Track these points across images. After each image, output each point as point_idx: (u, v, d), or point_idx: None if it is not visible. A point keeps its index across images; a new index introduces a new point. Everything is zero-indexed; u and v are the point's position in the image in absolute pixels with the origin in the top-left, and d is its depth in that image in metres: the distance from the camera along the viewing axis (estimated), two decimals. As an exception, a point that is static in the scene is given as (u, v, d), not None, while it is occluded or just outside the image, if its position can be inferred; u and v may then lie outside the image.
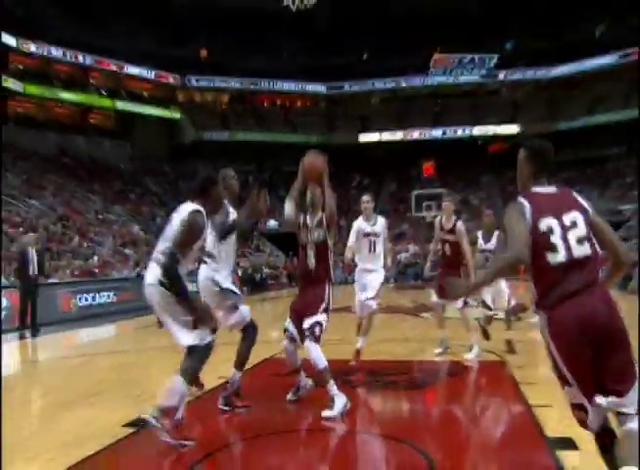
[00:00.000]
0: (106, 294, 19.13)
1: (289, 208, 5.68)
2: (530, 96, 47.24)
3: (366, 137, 46.95)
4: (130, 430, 4.88)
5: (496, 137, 45.90)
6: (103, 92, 40.04)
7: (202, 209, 4.71)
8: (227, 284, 5.77)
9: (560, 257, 3.07)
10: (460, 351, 8.25)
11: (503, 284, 8.63)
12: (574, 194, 3.41)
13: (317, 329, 5.40)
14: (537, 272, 3.13)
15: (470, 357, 8.04)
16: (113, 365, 8.92)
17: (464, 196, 42.79)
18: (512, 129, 44.68)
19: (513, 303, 8.87)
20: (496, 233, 8.76)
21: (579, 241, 3.11)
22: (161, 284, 4.55)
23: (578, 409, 3.06)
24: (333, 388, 5.24)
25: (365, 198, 7.94)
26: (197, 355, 4.61)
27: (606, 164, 40.88)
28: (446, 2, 44.54)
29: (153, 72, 42.18)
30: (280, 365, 6.60)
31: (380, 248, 7.85)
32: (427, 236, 30.23)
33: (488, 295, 8.58)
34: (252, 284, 28.18)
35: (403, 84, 47.94)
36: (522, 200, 3.38)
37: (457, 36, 45.43)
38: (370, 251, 7.81)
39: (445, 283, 7.86)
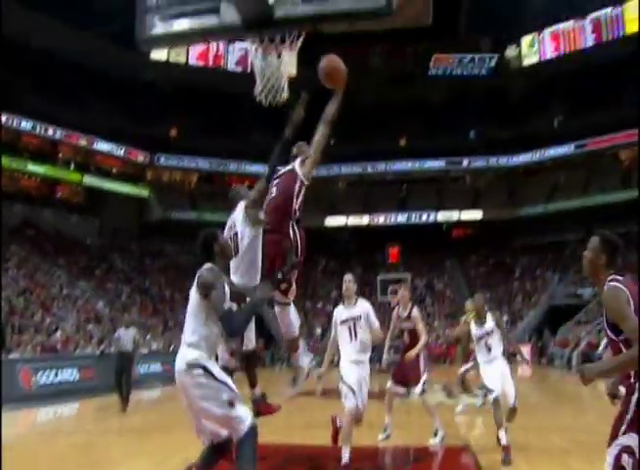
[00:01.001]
0: (68, 371, 18.60)
1: None
2: (492, 183, 48.52)
3: (332, 221, 47.38)
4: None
5: (460, 222, 46.89)
6: (72, 166, 40.13)
7: (213, 266, 4.63)
8: (215, 369, 4.48)
9: None
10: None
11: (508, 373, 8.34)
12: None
13: None
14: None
15: (435, 442, 8.11)
16: (73, 446, 8.65)
17: (428, 280, 43.28)
18: (475, 215, 45.70)
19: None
20: (489, 316, 8.40)
21: None
22: (191, 366, 4.29)
23: None
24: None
25: (347, 277, 7.28)
26: (247, 446, 4.19)
27: (565, 250, 41.79)
28: (412, 91, 46.18)
29: (122, 149, 42.43)
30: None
31: (363, 334, 7.00)
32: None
33: (496, 382, 8.18)
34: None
35: (369, 169, 48.81)
36: (621, 286, 3.71)
37: (423, 124, 47.04)
38: (351, 338, 7.03)
39: (405, 369, 8.21)
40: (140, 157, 43.78)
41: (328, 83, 5.08)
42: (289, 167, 5.69)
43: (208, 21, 2.99)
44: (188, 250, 42.92)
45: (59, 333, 23.04)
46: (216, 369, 4.40)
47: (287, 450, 7.01)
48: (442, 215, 46.23)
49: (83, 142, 40.06)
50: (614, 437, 3.64)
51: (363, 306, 7.18)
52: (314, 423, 8.47)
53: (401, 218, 47.04)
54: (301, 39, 4.49)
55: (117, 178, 42.52)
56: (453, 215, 45.97)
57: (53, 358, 19.32)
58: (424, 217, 46.53)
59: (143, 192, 43.68)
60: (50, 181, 39.38)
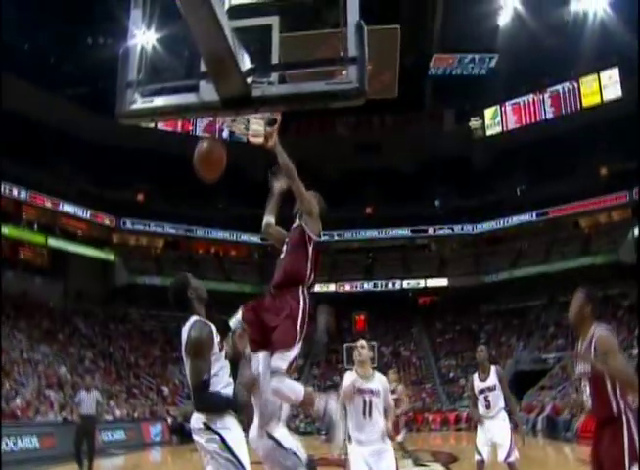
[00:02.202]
0: (28, 439, 18.20)
1: None
2: (457, 250, 49.20)
3: (298, 288, 47.14)
4: None
5: (426, 289, 47.16)
6: (35, 227, 39.63)
7: (197, 318, 4.31)
8: (239, 448, 4.11)
9: None
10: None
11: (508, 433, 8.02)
12: None
13: None
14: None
15: None
16: None
17: (394, 348, 43.18)
18: (440, 282, 46.09)
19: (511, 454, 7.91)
20: (493, 369, 8.26)
21: None
22: (207, 429, 4.04)
23: None
24: None
25: (361, 342, 6.48)
26: None
27: (529, 315, 42.20)
28: (378, 160, 47.06)
29: (88, 212, 42.10)
30: None
31: (377, 413, 6.16)
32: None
33: (485, 446, 8.01)
34: (182, 433, 27.05)
35: (335, 237, 49.06)
36: (610, 333, 4.48)
37: (388, 193, 47.76)
38: (365, 415, 6.12)
39: None
40: (106, 220, 43.50)
41: (205, 174, 4.33)
42: (294, 225, 5.14)
43: (187, 98, 3.10)
44: (153, 315, 42.47)
45: (18, 399, 22.40)
46: (233, 437, 4.06)
47: None
48: (408, 283, 46.47)
49: (48, 203, 39.68)
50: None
51: (382, 381, 6.34)
52: None
53: (367, 286, 47.20)
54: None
55: (83, 241, 42.02)
56: (419, 283, 46.27)
57: (12, 425, 18.75)
58: (390, 285, 46.78)
59: (109, 256, 43.21)
60: (13, 242, 38.69)
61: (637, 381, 4.13)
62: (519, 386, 35.19)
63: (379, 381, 6.27)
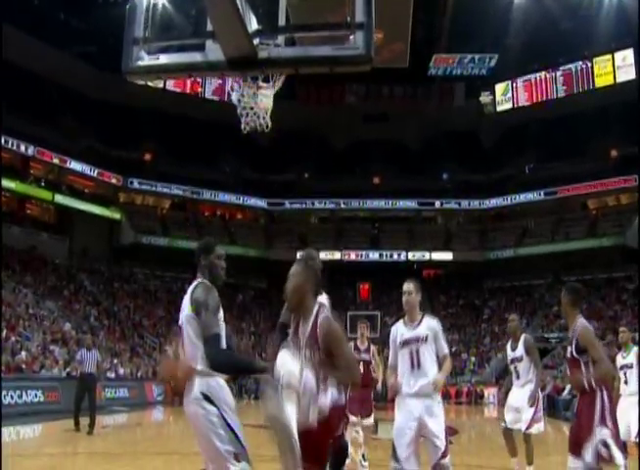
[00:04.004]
0: (33, 392, 18.33)
1: None
2: (463, 225, 49.12)
3: (304, 255, 47.20)
4: None
5: (430, 262, 47.18)
6: (43, 184, 39.61)
7: (203, 281, 4.16)
8: (231, 417, 3.96)
9: None
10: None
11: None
12: None
13: None
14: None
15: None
16: (37, 469, 8.61)
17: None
18: (446, 256, 46.07)
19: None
20: (522, 339, 8.05)
21: None
22: (206, 399, 3.87)
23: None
24: None
25: (406, 286, 5.83)
26: None
27: (533, 294, 42.26)
28: (387, 131, 46.77)
29: (95, 170, 42.07)
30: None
31: (428, 361, 5.65)
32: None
33: (510, 414, 7.98)
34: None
35: (342, 206, 49.07)
36: (588, 327, 5.32)
37: (396, 164, 47.59)
38: (413, 366, 5.66)
39: (356, 401, 7.52)
40: (113, 179, 43.44)
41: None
42: None
43: (194, 57, 3.08)
44: (158, 275, 42.68)
45: (24, 353, 22.61)
46: (231, 415, 3.91)
47: None
48: (413, 255, 46.49)
49: (56, 160, 39.63)
50: (588, 434, 4.98)
51: (431, 326, 5.76)
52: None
53: (373, 256, 47.22)
54: (282, 79, 4.61)
55: (89, 199, 42.05)
56: (424, 255, 46.26)
57: (17, 379, 18.93)
58: (395, 256, 46.76)
59: (115, 214, 43.26)
60: (20, 197, 38.78)
61: (612, 371, 5.44)
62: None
63: (427, 326, 5.70)
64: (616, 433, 5.01)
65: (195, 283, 4.17)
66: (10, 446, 11.28)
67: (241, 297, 45.08)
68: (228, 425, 3.86)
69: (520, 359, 7.95)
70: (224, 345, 3.99)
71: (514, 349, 8.09)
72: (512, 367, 8.17)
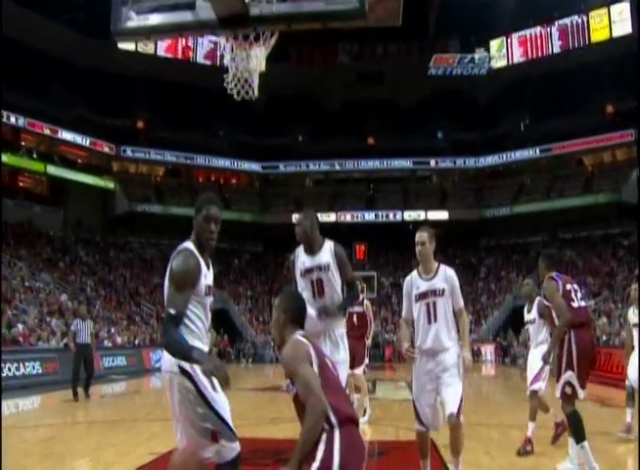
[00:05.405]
0: (31, 364, 18.33)
1: None
2: (459, 184, 48.99)
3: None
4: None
5: (426, 222, 47.12)
6: (34, 156, 39.23)
7: (189, 246, 3.74)
8: (210, 393, 3.58)
9: (575, 304, 6.11)
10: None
11: None
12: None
13: None
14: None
15: (364, 421, 8.98)
16: (37, 439, 8.59)
17: (394, 279, 43.43)
18: (441, 215, 45.98)
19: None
20: (536, 302, 7.92)
21: (580, 298, 6.23)
22: (183, 373, 3.53)
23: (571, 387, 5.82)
24: None
25: (419, 236, 5.58)
26: None
27: (529, 251, 42.34)
28: (381, 91, 46.31)
29: (88, 140, 41.75)
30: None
31: (444, 313, 5.37)
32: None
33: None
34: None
35: (337, 167, 48.89)
36: (554, 280, 6.25)
37: (390, 124, 47.24)
38: (430, 320, 5.37)
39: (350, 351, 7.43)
40: (106, 147, 43.15)
41: None
42: None
43: (184, 16, 2.94)
44: (153, 243, 42.63)
45: (20, 326, 22.59)
46: (210, 391, 3.54)
47: (253, 444, 6.82)
48: (409, 215, 46.43)
49: (47, 131, 39.26)
50: (558, 375, 5.93)
51: (446, 277, 5.44)
52: (282, 417, 8.46)
53: (368, 217, 47.18)
54: (275, 37, 4.47)
55: (82, 169, 41.77)
56: (420, 215, 46.17)
57: (15, 351, 18.89)
58: (390, 216, 46.72)
59: (108, 184, 43.02)
60: (12, 170, 38.43)
61: (567, 315, 5.94)
62: (517, 321, 35.59)
63: (444, 278, 5.40)
64: (579, 373, 5.86)
65: (178, 249, 3.74)
66: (9, 419, 11.31)
67: (237, 261, 45.10)
68: (206, 401, 3.53)
69: (533, 322, 7.91)
70: (180, 323, 3.54)
71: (529, 311, 8.06)
72: (526, 329, 8.27)
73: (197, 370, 3.45)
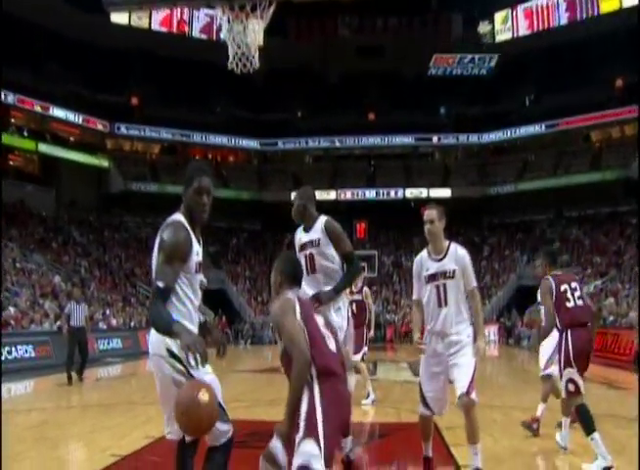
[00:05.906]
0: (23, 348, 18.14)
1: None
2: (462, 161, 48.15)
3: (299, 195, 46.53)
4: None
5: (428, 200, 46.25)
6: (25, 134, 38.28)
7: (180, 219, 3.61)
8: (201, 377, 3.43)
9: (570, 304, 6.11)
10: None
11: None
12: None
13: None
14: (560, 311, 6.09)
15: (366, 403, 9.39)
16: (30, 424, 8.61)
17: (396, 258, 42.73)
18: (444, 193, 45.06)
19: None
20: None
21: (579, 297, 6.15)
22: (173, 357, 3.40)
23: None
24: None
25: (427, 214, 5.29)
26: (219, 457, 3.49)
27: (534, 230, 41.57)
28: (382, 65, 45.21)
29: (80, 117, 40.75)
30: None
31: (455, 296, 5.10)
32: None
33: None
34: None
35: (337, 144, 48.10)
36: (549, 281, 6.24)
37: (392, 99, 46.26)
38: (440, 303, 5.12)
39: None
40: (99, 125, 42.30)
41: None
42: None
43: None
44: (149, 222, 41.75)
45: (12, 308, 22.00)
46: (200, 372, 3.37)
47: (250, 426, 7.07)
48: (411, 192, 45.60)
49: (38, 108, 38.27)
50: (561, 372, 6.04)
51: (458, 257, 5.15)
52: (280, 399, 7.82)
53: (369, 194, 46.41)
54: (272, 9, 3.92)
55: (75, 147, 40.84)
56: (422, 192, 45.33)
57: (7, 335, 18.46)
58: (392, 194, 45.96)
59: (102, 162, 42.16)
60: (2, 149, 37.35)
61: (551, 321, 6.11)
62: (521, 301, 34.90)
63: (454, 258, 5.12)
64: (579, 368, 5.89)
65: (166, 221, 3.61)
66: (2, 403, 10.93)
67: (235, 240, 44.41)
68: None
69: (540, 303, 7.43)
70: (168, 298, 3.40)
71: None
72: (536, 309, 8.50)
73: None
